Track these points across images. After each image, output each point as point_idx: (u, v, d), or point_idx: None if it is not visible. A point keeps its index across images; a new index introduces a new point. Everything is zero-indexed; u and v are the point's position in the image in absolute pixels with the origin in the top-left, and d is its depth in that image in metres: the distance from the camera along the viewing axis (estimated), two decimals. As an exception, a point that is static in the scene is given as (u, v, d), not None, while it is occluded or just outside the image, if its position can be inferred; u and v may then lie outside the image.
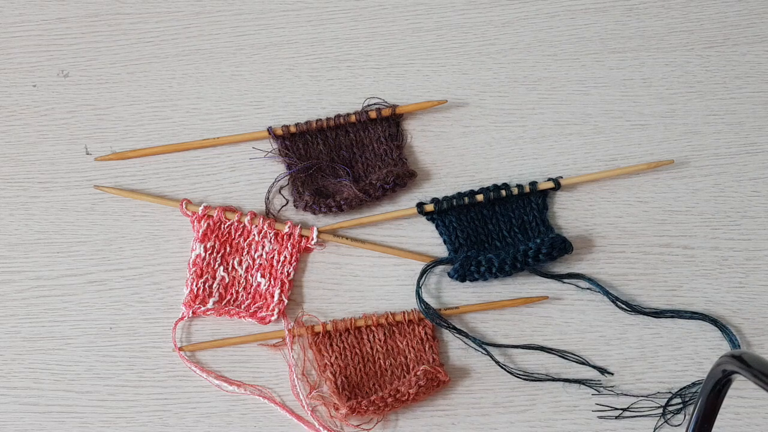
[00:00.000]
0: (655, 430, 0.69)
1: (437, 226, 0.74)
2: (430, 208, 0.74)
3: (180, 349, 0.71)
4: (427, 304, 0.71)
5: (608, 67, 0.79)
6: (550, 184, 0.74)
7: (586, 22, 0.81)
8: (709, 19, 0.81)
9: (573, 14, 0.81)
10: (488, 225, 0.74)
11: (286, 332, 0.71)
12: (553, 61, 0.80)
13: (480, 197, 0.73)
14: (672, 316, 0.72)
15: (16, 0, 0.82)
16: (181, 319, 0.72)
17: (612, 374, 0.71)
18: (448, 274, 0.72)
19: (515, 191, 0.74)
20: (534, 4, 0.81)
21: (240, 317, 0.72)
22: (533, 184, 0.74)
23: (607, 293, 0.72)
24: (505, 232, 0.74)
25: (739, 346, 0.71)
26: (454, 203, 0.73)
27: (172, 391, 0.71)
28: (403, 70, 0.79)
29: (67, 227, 0.75)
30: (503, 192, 0.73)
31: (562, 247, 0.71)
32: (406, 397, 0.68)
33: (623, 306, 0.72)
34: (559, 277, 0.72)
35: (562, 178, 0.75)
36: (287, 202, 0.75)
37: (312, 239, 0.73)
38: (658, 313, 0.72)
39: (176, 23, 0.81)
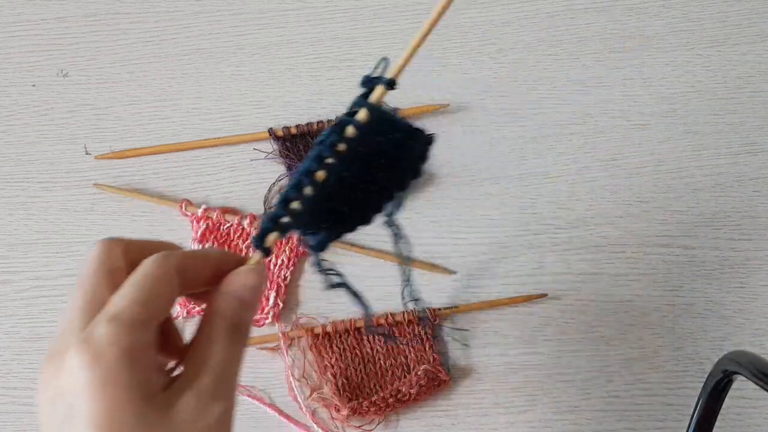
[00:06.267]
0: (655, 430, 0.69)
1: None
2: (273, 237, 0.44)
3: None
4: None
5: (608, 66, 0.79)
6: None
7: (587, 22, 0.81)
8: (709, 19, 0.81)
9: (573, 14, 0.81)
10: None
11: (280, 336, 0.71)
12: (553, 60, 0.80)
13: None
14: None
15: (16, -1, 0.82)
16: (175, 318, 0.72)
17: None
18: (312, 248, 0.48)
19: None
20: (534, 4, 0.81)
21: (236, 318, 0.72)
22: None
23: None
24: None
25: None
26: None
27: (171, 392, 0.71)
28: (404, 69, 0.79)
29: (67, 227, 0.75)
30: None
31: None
32: (407, 397, 0.68)
33: None
34: None
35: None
36: (286, 203, 0.75)
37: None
38: None
39: (176, 23, 0.81)
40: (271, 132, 0.76)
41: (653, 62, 0.79)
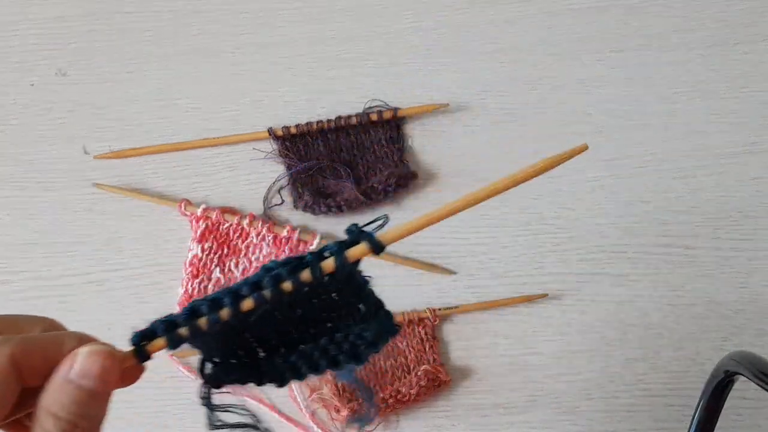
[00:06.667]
0: (656, 430, 0.69)
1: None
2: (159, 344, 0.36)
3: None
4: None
5: (609, 66, 0.79)
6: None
7: (588, 21, 0.81)
8: (711, 18, 0.81)
9: (574, 13, 0.81)
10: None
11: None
12: (554, 60, 0.79)
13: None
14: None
15: (15, -1, 0.82)
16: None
17: None
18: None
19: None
20: (535, 3, 0.81)
21: (235, 318, 0.72)
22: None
23: None
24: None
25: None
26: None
27: (170, 392, 0.71)
28: (404, 69, 0.79)
29: (66, 227, 0.75)
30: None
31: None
32: (407, 398, 0.68)
33: None
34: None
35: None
36: (282, 202, 0.75)
37: (311, 245, 0.73)
38: None
39: (175, 22, 0.81)
40: (271, 132, 0.76)
41: (654, 62, 0.79)
